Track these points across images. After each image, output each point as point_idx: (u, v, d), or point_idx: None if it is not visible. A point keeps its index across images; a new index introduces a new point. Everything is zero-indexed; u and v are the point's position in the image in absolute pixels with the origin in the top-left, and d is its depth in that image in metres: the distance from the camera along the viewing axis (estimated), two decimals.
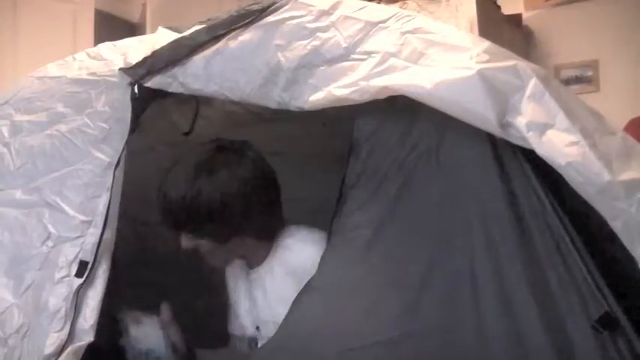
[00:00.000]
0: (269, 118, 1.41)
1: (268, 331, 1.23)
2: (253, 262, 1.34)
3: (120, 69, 1.27)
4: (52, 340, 1.07)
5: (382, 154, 1.04)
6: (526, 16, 3.57)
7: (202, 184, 1.21)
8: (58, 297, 1.11)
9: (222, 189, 1.21)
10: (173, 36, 1.28)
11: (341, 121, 1.15)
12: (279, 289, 1.26)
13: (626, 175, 0.85)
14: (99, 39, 2.53)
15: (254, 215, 1.25)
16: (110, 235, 1.15)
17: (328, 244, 1.06)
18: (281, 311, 1.07)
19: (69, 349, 1.06)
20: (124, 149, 1.20)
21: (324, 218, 1.16)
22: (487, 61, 0.94)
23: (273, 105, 1.12)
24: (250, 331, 1.37)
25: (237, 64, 1.15)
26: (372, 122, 1.06)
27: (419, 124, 1.01)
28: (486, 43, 1.00)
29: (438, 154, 0.99)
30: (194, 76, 1.19)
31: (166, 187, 1.24)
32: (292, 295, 1.05)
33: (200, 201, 1.21)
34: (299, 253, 1.26)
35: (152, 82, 1.23)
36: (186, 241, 1.28)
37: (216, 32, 1.19)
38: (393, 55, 1.01)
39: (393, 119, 1.04)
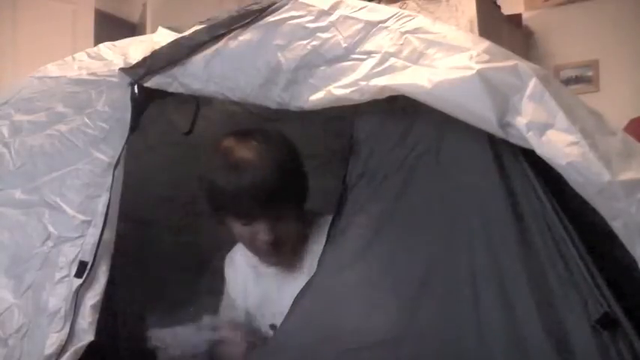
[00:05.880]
0: (269, 118, 1.41)
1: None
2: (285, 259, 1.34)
3: (120, 69, 1.27)
4: (52, 340, 1.07)
5: (382, 154, 1.04)
6: (526, 16, 3.57)
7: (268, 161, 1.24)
8: (58, 297, 1.11)
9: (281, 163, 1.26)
10: (173, 36, 1.28)
11: (341, 121, 1.15)
12: None
13: (626, 175, 0.85)
14: (99, 39, 2.54)
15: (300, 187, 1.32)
16: (110, 235, 1.15)
17: (328, 244, 1.06)
18: None
19: (70, 350, 1.06)
20: (123, 149, 1.20)
21: None
22: (487, 61, 0.94)
23: (273, 105, 1.12)
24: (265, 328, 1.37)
25: (237, 64, 1.15)
26: (372, 122, 1.06)
27: (419, 124, 1.01)
28: (486, 43, 1.00)
29: (438, 154, 0.99)
30: (194, 76, 1.19)
31: (223, 176, 1.24)
32: None
33: (272, 178, 1.23)
34: None
35: (152, 82, 1.23)
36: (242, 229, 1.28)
37: (216, 32, 1.19)
38: (392, 55, 1.01)
39: (393, 119, 1.03)
